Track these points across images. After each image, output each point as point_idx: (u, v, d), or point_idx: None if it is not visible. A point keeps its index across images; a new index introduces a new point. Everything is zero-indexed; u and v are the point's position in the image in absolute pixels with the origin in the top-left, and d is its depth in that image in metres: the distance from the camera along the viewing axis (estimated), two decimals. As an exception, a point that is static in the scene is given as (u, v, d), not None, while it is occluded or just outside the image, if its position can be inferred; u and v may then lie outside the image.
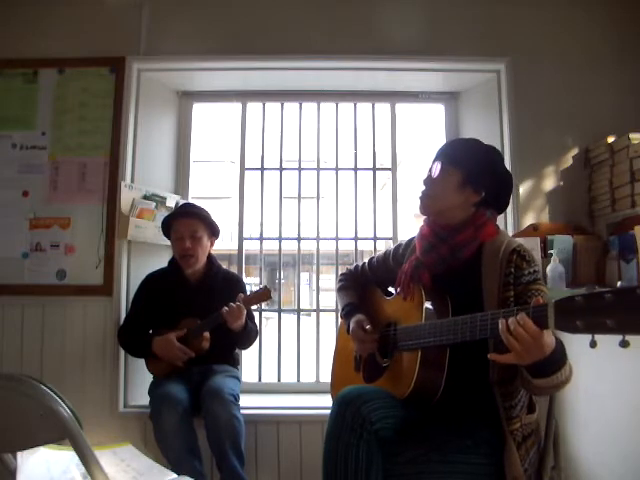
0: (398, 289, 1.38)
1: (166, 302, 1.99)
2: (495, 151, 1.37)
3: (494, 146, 1.37)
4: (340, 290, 1.65)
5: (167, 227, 2.05)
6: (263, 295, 1.90)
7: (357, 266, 1.66)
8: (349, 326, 1.46)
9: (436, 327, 1.18)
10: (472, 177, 1.28)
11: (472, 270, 1.24)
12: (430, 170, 1.35)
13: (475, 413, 1.20)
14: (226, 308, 1.84)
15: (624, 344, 0.82)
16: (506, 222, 2.17)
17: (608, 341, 0.83)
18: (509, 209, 2.15)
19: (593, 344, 0.86)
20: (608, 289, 0.86)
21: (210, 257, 2.09)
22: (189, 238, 1.97)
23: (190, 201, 2.36)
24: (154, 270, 2.14)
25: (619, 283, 0.86)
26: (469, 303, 1.19)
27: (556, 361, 1.03)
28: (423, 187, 1.35)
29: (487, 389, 1.17)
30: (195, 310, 1.97)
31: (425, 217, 1.38)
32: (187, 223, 1.99)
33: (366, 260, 1.64)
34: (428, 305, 1.26)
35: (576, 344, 0.92)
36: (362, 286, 1.62)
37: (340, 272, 1.74)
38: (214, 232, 2.07)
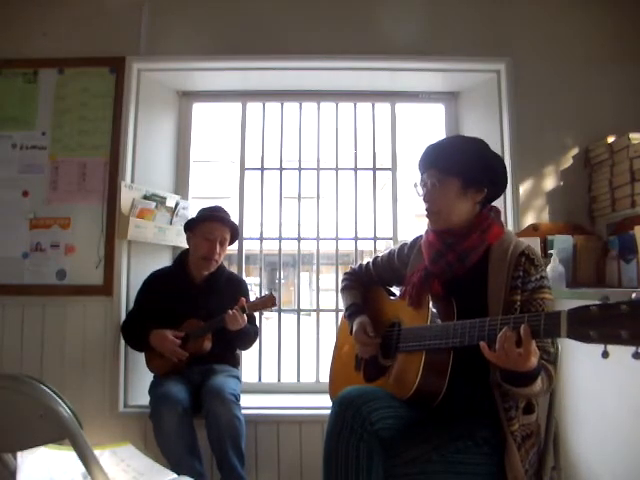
0: (406, 298, 1.35)
1: (169, 301, 1.99)
2: (480, 142, 1.34)
3: (475, 137, 1.35)
4: (344, 290, 1.64)
5: (195, 223, 2.04)
6: (268, 301, 1.93)
7: (361, 265, 1.66)
8: (352, 327, 1.47)
9: (442, 330, 1.17)
10: (471, 179, 1.28)
11: (479, 272, 1.24)
12: (424, 184, 1.33)
13: (475, 413, 1.20)
14: (230, 312, 1.86)
15: (638, 356, 0.81)
16: (506, 222, 2.16)
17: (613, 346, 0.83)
18: (509, 209, 2.15)
19: (605, 355, 0.86)
20: (624, 300, 0.84)
21: None
22: (219, 243, 2.01)
23: (193, 202, 2.39)
24: (157, 269, 2.14)
25: (634, 294, 0.85)
26: (474, 305, 1.20)
27: (528, 377, 1.06)
28: (425, 204, 1.33)
29: (488, 390, 1.18)
30: (198, 311, 1.97)
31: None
32: (222, 229, 2.03)
33: (370, 259, 1.64)
34: (433, 308, 1.26)
35: (578, 345, 0.91)
36: (366, 285, 1.62)
37: (344, 271, 1.73)
38: (232, 241, 2.13)
